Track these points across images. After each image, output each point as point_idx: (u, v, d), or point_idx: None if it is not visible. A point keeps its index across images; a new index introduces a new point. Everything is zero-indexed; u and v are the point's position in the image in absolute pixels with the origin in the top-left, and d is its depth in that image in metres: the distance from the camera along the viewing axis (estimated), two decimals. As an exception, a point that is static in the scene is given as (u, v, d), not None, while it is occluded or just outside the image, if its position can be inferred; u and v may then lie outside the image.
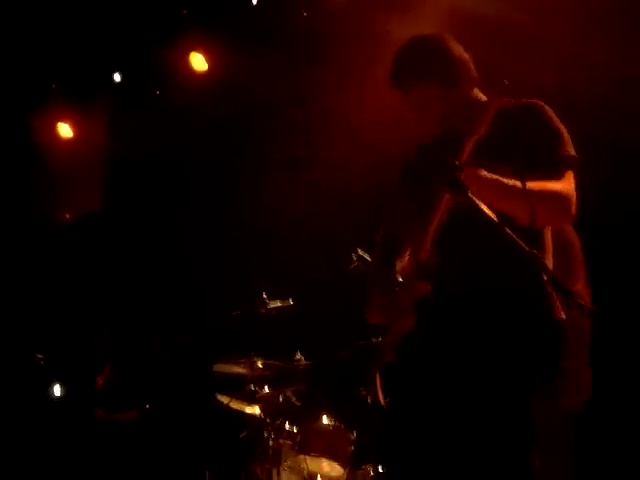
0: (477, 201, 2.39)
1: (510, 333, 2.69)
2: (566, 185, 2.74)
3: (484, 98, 3.01)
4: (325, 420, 5.17)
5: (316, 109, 6.36)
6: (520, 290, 2.68)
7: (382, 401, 2.85)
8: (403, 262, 2.90)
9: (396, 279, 2.74)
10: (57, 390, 6.76)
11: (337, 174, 6.23)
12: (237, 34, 6.80)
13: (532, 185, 2.58)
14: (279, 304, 5.47)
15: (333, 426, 5.14)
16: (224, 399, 5.46)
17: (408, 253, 2.89)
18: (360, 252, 3.70)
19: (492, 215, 2.38)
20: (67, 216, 8.12)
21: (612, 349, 4.38)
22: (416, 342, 2.73)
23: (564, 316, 2.60)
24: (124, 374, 6.60)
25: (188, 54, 6.97)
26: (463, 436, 2.71)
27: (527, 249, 2.21)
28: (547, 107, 2.86)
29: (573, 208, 2.76)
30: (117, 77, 7.29)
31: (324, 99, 6.21)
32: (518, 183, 2.54)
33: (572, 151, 2.80)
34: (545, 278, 2.16)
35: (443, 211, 2.71)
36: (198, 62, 6.99)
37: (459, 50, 2.96)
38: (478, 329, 2.71)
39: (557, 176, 2.73)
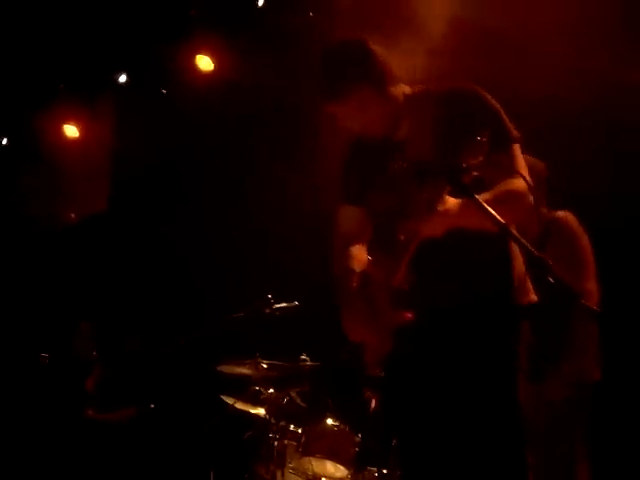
0: (484, 204, 2.40)
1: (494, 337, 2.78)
2: (521, 181, 2.77)
3: (413, 90, 3.01)
4: (330, 421, 5.16)
5: (322, 110, 6.35)
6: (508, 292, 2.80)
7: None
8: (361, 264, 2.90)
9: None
10: None
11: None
12: (243, 35, 6.81)
13: (491, 196, 2.59)
14: (284, 305, 5.48)
15: (338, 428, 5.14)
16: (229, 400, 5.46)
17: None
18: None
19: (499, 218, 2.39)
20: (72, 216, 8.14)
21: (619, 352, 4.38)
22: (402, 358, 2.76)
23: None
24: (113, 373, 6.62)
25: (195, 55, 6.99)
26: (458, 440, 2.79)
27: (536, 253, 2.24)
28: (479, 88, 2.89)
29: (531, 199, 2.80)
30: (123, 78, 7.31)
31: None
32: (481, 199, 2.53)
33: (514, 129, 2.84)
34: (552, 281, 2.16)
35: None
36: (204, 63, 7.01)
37: (380, 50, 2.96)
38: (470, 339, 2.77)
39: (506, 158, 2.77)
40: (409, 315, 2.61)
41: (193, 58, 7.01)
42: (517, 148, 2.83)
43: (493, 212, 2.39)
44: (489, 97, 2.87)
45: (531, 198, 2.80)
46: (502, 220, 2.39)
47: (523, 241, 2.33)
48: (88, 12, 6.55)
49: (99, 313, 7.13)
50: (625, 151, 5.04)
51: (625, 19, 5.07)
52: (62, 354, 6.72)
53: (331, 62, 2.97)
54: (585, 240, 4.34)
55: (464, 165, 2.41)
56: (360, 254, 2.95)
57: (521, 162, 2.83)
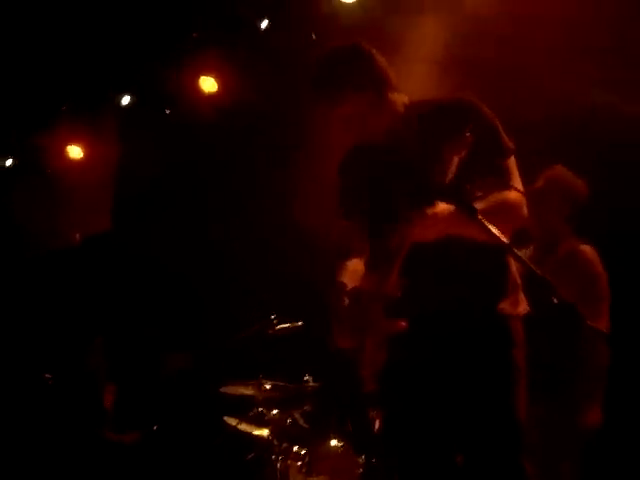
0: (487, 224, 2.39)
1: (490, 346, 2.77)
2: (515, 194, 2.76)
3: (412, 100, 2.98)
4: (333, 442, 5.15)
5: (326, 131, 6.37)
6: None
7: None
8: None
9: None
10: None
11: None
12: (247, 56, 6.84)
13: (485, 206, 2.56)
14: (288, 325, 5.47)
15: (341, 448, 5.12)
16: (232, 421, 5.45)
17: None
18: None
19: (502, 237, 2.39)
20: (77, 236, 8.15)
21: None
22: (396, 368, 2.72)
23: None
24: (132, 394, 6.60)
25: (198, 76, 7.01)
26: (454, 448, 2.81)
27: (537, 272, 2.22)
28: (476, 100, 2.87)
29: (525, 212, 2.80)
30: (126, 100, 7.34)
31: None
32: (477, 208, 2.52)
33: (509, 141, 2.83)
34: (556, 302, 2.15)
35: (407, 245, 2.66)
36: (208, 84, 7.03)
37: (380, 56, 2.92)
38: (458, 349, 2.76)
39: (500, 170, 2.76)
40: (402, 323, 2.57)
41: (196, 79, 7.03)
42: (512, 160, 2.83)
43: (497, 231, 2.38)
44: (485, 109, 2.86)
45: (525, 210, 2.79)
46: (504, 239, 2.38)
47: (526, 260, 2.31)
48: (92, 33, 6.58)
49: (109, 331, 7.13)
50: (620, 166, 5.05)
51: (618, 40, 5.10)
52: (73, 373, 6.71)
53: (331, 65, 2.89)
54: (604, 281, 4.29)
55: (468, 186, 2.41)
56: (357, 267, 2.92)
57: (516, 174, 2.82)
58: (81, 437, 6.28)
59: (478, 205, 2.50)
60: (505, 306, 2.81)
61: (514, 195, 2.76)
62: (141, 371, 6.90)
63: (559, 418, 4.10)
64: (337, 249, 3.09)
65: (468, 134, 2.51)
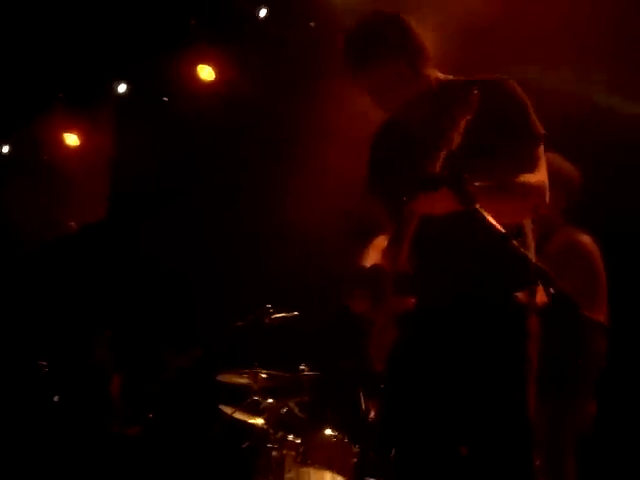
0: (485, 213, 2.35)
1: (498, 335, 2.68)
2: (539, 176, 2.71)
3: (447, 77, 2.92)
4: (328, 432, 5.15)
5: (322, 120, 6.36)
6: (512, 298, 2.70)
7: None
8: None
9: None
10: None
11: (344, 182, 6.21)
12: (245, 45, 6.83)
13: (505, 185, 2.55)
14: (283, 315, 5.47)
15: (336, 438, 5.12)
16: (228, 410, 5.45)
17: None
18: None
19: (499, 227, 2.36)
20: (73, 224, 8.13)
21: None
22: (406, 352, 2.68)
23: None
24: (138, 387, 6.59)
25: (196, 64, 7.00)
26: (459, 440, 2.72)
27: (534, 262, 2.20)
28: (512, 81, 2.81)
29: (547, 197, 2.74)
30: (122, 88, 7.32)
31: (329, 110, 6.21)
32: (497, 186, 2.51)
33: (540, 128, 2.77)
34: (552, 292, 2.12)
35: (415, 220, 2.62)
36: (205, 72, 7.01)
37: (418, 30, 2.84)
38: (468, 334, 2.68)
39: (526, 153, 2.71)
40: (410, 300, 2.55)
41: (194, 68, 7.02)
42: (539, 147, 2.76)
43: (495, 222, 2.33)
44: (520, 90, 2.78)
45: (547, 197, 2.73)
46: (502, 229, 2.32)
47: (523, 251, 2.29)
48: (89, 21, 6.57)
49: (111, 323, 7.12)
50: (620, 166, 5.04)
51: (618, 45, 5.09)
52: (80, 363, 6.70)
53: (369, 30, 2.81)
54: (603, 274, 4.25)
55: (466, 175, 2.38)
56: (382, 243, 2.89)
57: (542, 160, 2.75)
58: (87, 429, 6.28)
59: (497, 182, 2.48)
60: (522, 295, 2.72)
61: (536, 178, 2.70)
62: (144, 366, 6.89)
63: (562, 411, 4.07)
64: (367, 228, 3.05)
65: (475, 92, 2.45)
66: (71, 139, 7.63)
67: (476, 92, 2.46)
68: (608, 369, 4.16)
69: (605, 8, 5.03)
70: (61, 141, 7.63)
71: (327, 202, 6.19)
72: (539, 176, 2.71)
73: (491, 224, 2.33)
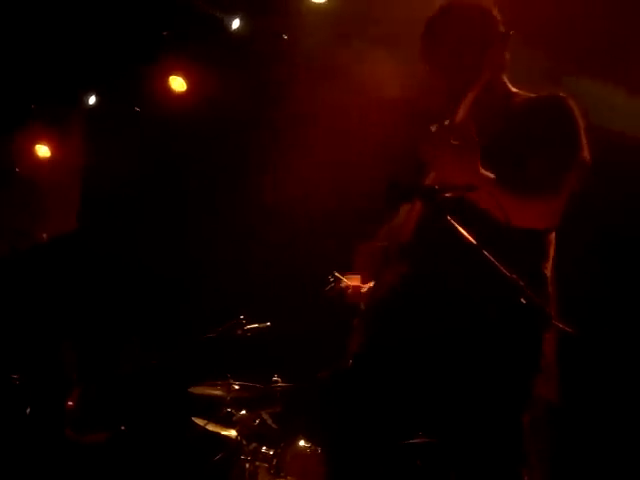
0: (456, 225, 2.32)
1: (488, 349, 2.58)
2: (558, 201, 2.61)
3: (512, 89, 2.85)
4: (302, 443, 5.14)
5: (293, 128, 6.38)
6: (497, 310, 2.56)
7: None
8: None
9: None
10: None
11: (314, 194, 6.23)
12: (217, 56, 6.83)
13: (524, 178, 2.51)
14: (256, 325, 5.47)
15: (310, 449, 5.12)
16: (200, 421, 5.43)
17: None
18: (337, 274, 3.66)
19: (471, 239, 2.33)
20: (44, 236, 8.09)
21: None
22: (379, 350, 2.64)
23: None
24: (94, 394, 6.55)
25: (168, 75, 6.99)
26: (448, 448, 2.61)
27: (508, 274, 2.17)
28: (568, 100, 2.70)
29: (558, 215, 2.65)
30: (92, 99, 7.31)
31: (302, 119, 6.23)
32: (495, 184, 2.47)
33: (585, 153, 2.64)
34: (524, 302, 2.12)
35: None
36: (177, 83, 7.01)
37: (506, 38, 2.77)
38: (445, 336, 2.59)
39: (558, 178, 2.59)
40: (403, 269, 2.56)
41: (166, 78, 7.01)
42: (576, 170, 2.62)
43: (466, 234, 2.29)
44: (576, 112, 2.67)
45: (554, 217, 2.64)
46: (473, 240, 2.28)
47: (494, 262, 2.28)
48: (60, 33, 6.55)
49: (78, 333, 7.07)
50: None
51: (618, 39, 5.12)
52: (44, 374, 6.64)
53: (463, 14, 2.79)
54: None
55: (437, 187, 2.38)
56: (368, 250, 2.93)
57: (569, 183, 2.61)
58: (42, 435, 6.23)
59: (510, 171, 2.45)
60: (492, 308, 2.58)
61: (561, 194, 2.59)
62: (104, 371, 6.85)
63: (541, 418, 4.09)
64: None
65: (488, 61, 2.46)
66: (42, 150, 7.60)
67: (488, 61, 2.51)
68: (608, 369, 4.17)
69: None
70: (33, 153, 7.59)
71: (304, 209, 6.21)
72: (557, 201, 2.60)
73: (464, 236, 2.31)
